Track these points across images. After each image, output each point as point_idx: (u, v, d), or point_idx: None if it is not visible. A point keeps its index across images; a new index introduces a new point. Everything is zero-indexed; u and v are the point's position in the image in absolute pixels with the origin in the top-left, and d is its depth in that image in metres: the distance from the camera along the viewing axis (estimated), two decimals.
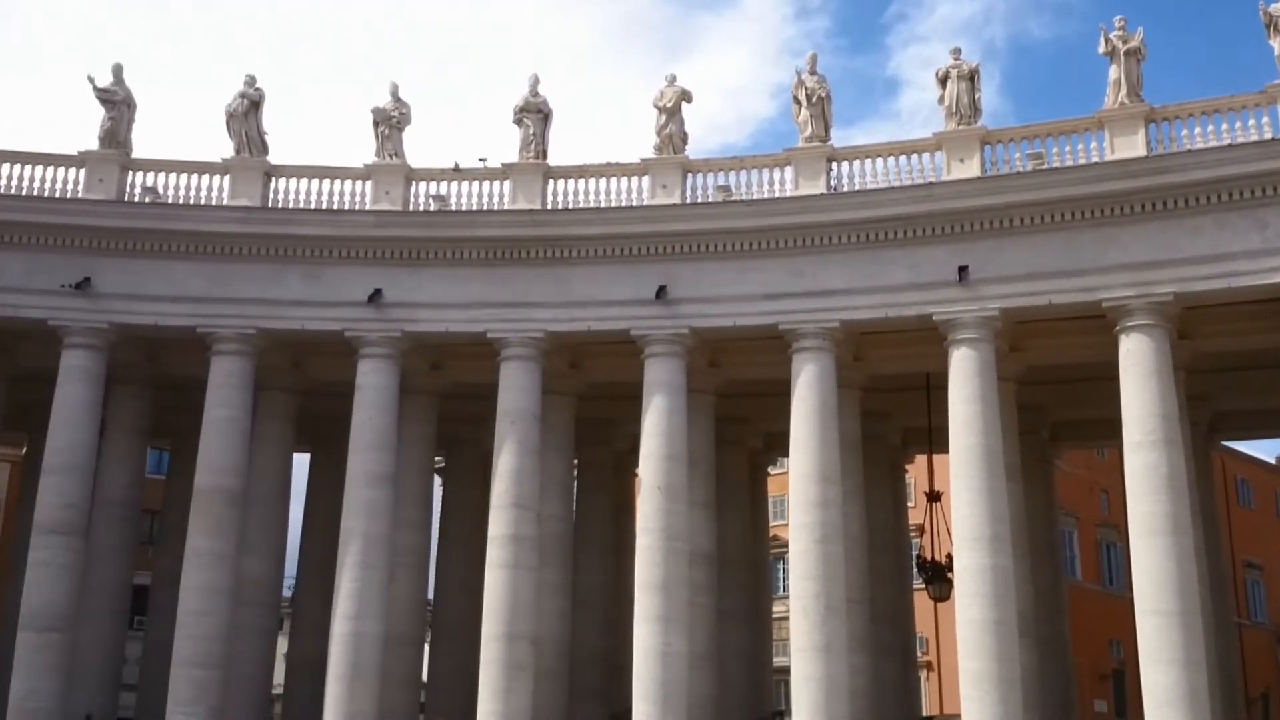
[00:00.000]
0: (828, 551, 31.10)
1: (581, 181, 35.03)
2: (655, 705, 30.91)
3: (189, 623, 33.37)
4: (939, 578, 35.24)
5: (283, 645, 43.32)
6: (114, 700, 38.04)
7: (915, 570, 39.46)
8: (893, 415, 39.34)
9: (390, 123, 35.84)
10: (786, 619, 33.07)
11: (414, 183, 35.65)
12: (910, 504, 45.26)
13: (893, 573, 38.99)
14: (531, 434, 33.77)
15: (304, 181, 35.92)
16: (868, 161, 33.27)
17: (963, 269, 30.79)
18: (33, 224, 34.57)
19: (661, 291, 32.85)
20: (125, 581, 38.48)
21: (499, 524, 33.20)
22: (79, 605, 34.17)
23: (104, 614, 36.66)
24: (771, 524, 46.91)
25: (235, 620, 34.40)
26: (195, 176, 35.96)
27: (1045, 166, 31.09)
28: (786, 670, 32.48)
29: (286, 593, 44.09)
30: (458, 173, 35.84)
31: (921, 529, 40.02)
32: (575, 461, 40.19)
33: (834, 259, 32.44)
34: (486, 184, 35.50)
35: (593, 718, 38.31)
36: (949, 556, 32.30)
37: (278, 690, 44.19)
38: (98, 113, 36.13)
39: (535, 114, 35.44)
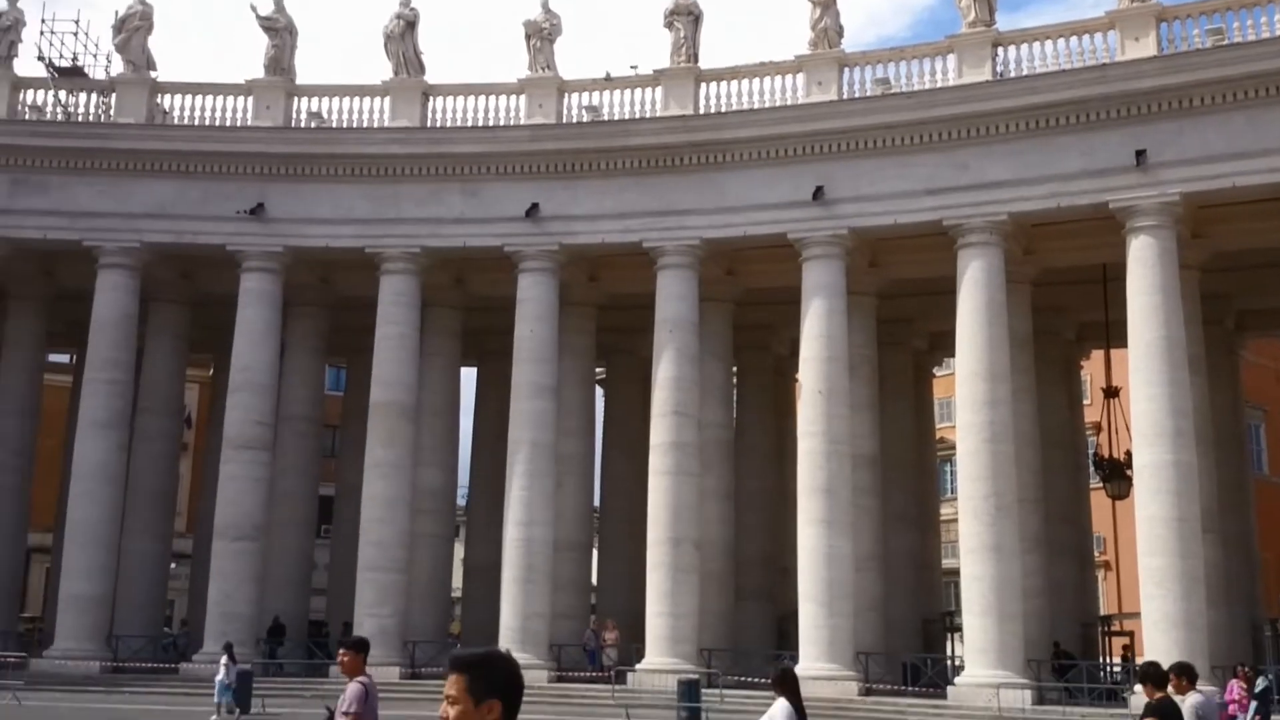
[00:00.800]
0: (997, 451, 30.22)
1: (734, 84, 34.24)
2: (822, 606, 30.83)
3: (371, 530, 34.71)
4: (1117, 475, 33.97)
5: (459, 551, 44.86)
6: (305, 604, 40.10)
7: (1092, 468, 38.21)
8: (1067, 310, 37.77)
9: (541, 35, 35.60)
10: (955, 521, 32.46)
11: (566, 95, 35.48)
12: (1086, 401, 43.64)
13: (1068, 471, 37.76)
14: (690, 342, 33.64)
15: (460, 99, 36.14)
16: (1036, 45, 31.52)
17: (1140, 153, 28.97)
18: (207, 153, 35.67)
19: (818, 192, 32.01)
20: (311, 493, 40.29)
21: (660, 432, 33.34)
22: (269, 515, 35.89)
23: (293, 523, 38.56)
24: (937, 426, 45.93)
25: (414, 528, 35.65)
26: (356, 100, 36.57)
27: (1226, 42, 28.96)
28: (956, 572, 31.92)
29: (461, 502, 45.55)
30: (609, 82, 35.48)
31: (1098, 426, 38.59)
32: (734, 368, 40.06)
33: (1000, 149, 30.97)
34: (638, 92, 35.06)
35: (760, 619, 38.54)
36: (1127, 453, 30.99)
37: (457, 594, 45.84)
38: (261, 41, 37.02)
39: (685, 16, 34.68)
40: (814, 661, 30.37)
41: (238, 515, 34.72)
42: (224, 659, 27.29)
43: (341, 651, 9.81)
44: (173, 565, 42.79)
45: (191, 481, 50.23)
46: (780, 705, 9.89)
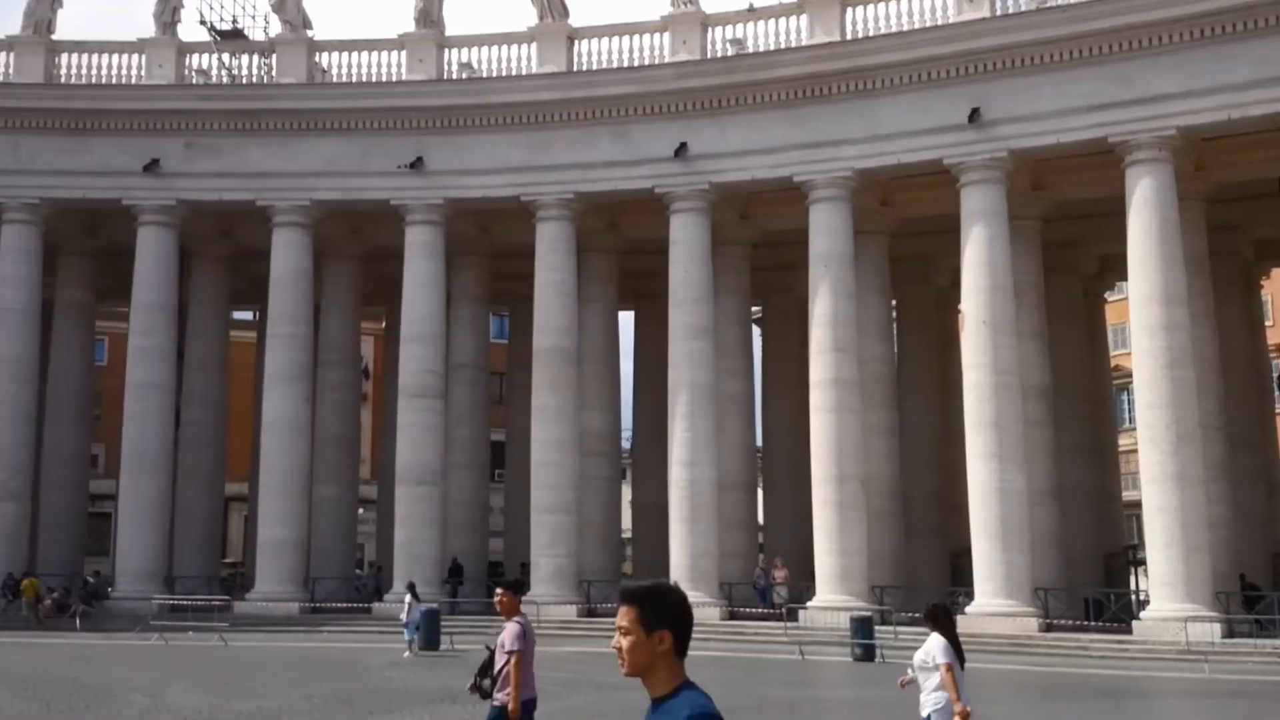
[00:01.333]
0: (1176, 376, 28.85)
1: (882, 6, 33.11)
2: (996, 541, 30.13)
3: (542, 474, 35.53)
4: None
5: (627, 493, 45.63)
6: (484, 545, 41.51)
7: (1276, 392, 36.18)
8: (1244, 227, 35.61)
9: None
10: (1135, 452, 31.23)
11: (710, 29, 34.97)
12: (1268, 323, 41.25)
13: (1251, 396, 35.84)
14: (846, 276, 33.06)
15: (604, 41, 36.06)
16: None
17: None
18: (366, 109, 36.51)
19: (974, 114, 30.79)
20: (483, 438, 41.52)
21: (819, 369, 32.97)
22: (445, 461, 37.19)
23: (467, 468, 39.87)
24: (1113, 353, 44.17)
25: (583, 471, 36.39)
26: (504, 48, 36.90)
27: None
28: (1138, 504, 30.80)
29: (626, 444, 46.23)
30: (752, 14, 34.81)
31: None
32: (893, 301, 39.26)
33: (1165, 61, 29.12)
34: (782, 21, 34.27)
35: (932, 556, 37.98)
36: None
37: (627, 534, 46.71)
38: None
39: None
40: (990, 598, 29.78)
41: (416, 461, 36.00)
42: (408, 598, 28.47)
43: (499, 592, 9.98)
44: (360, 510, 44.80)
45: (372, 430, 52.40)
46: (935, 640, 9.78)
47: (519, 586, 10.18)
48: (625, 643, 3.54)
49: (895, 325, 40.02)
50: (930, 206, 34.10)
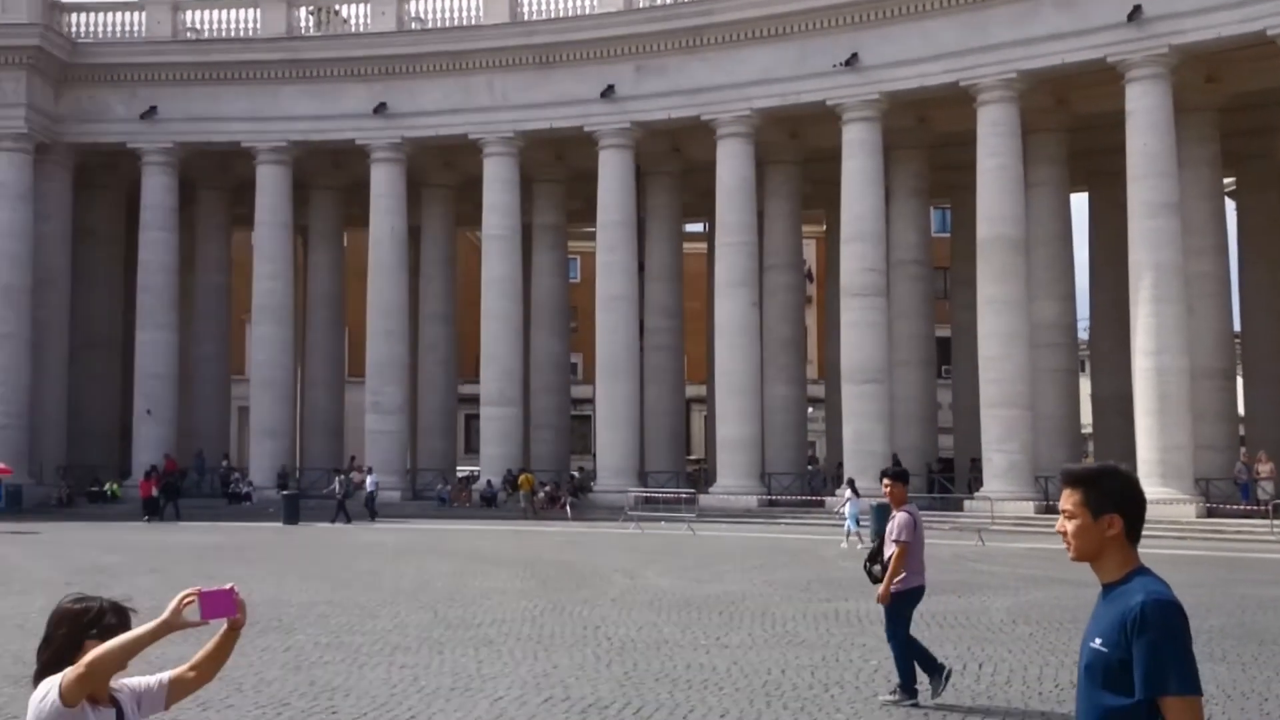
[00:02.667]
0: None
1: None
2: None
3: (990, 368, 34.29)
4: None
5: (1085, 386, 43.04)
6: (932, 441, 40.87)
7: None
8: None
9: None
10: None
11: None
12: None
13: None
14: None
15: None
16: None
17: None
18: (800, 11, 35.93)
19: None
20: (927, 334, 40.69)
21: None
22: (889, 358, 36.90)
23: (912, 364, 39.30)
24: None
25: (1034, 363, 34.72)
26: None
27: None
28: None
29: (1082, 334, 43.46)
30: None
31: None
32: None
33: None
34: None
35: None
36: None
37: (1086, 429, 44.17)
38: None
39: None
40: None
41: (861, 360, 35.98)
42: (848, 493, 28.73)
43: (886, 482, 9.93)
44: (809, 409, 45.68)
45: (818, 330, 53.03)
46: None
47: (903, 476, 10.02)
48: (1070, 527, 3.29)
49: None
50: None
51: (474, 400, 44.16)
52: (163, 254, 41.94)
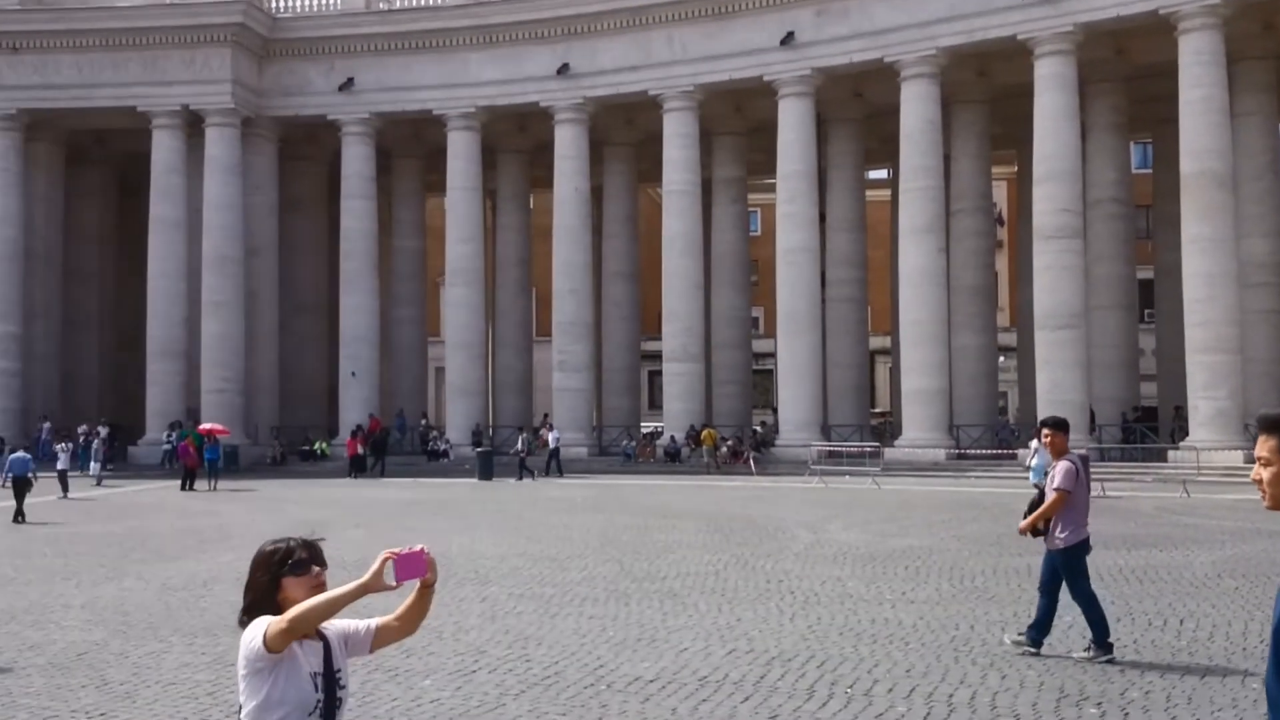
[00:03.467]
0: None
1: None
2: None
3: (1195, 310, 32.48)
4: None
5: None
6: (1133, 389, 39.03)
7: None
8: None
9: None
10: None
11: None
12: None
13: None
14: None
15: None
16: None
17: None
18: None
19: None
20: (1128, 276, 38.77)
21: None
22: (1086, 302, 35.38)
23: (1111, 308, 37.59)
24: None
25: (1243, 304, 32.76)
26: None
27: None
28: None
29: None
30: None
31: None
32: None
33: None
34: None
35: None
36: None
37: None
38: None
39: None
40: None
41: (1055, 304, 34.65)
42: (1033, 444, 27.70)
43: (1045, 431, 9.75)
44: (1000, 359, 44.31)
45: (1009, 276, 51.27)
46: None
47: (1062, 425, 9.78)
48: (1266, 475, 3.11)
49: None
50: None
51: (657, 357, 44.62)
52: (363, 221, 43.76)
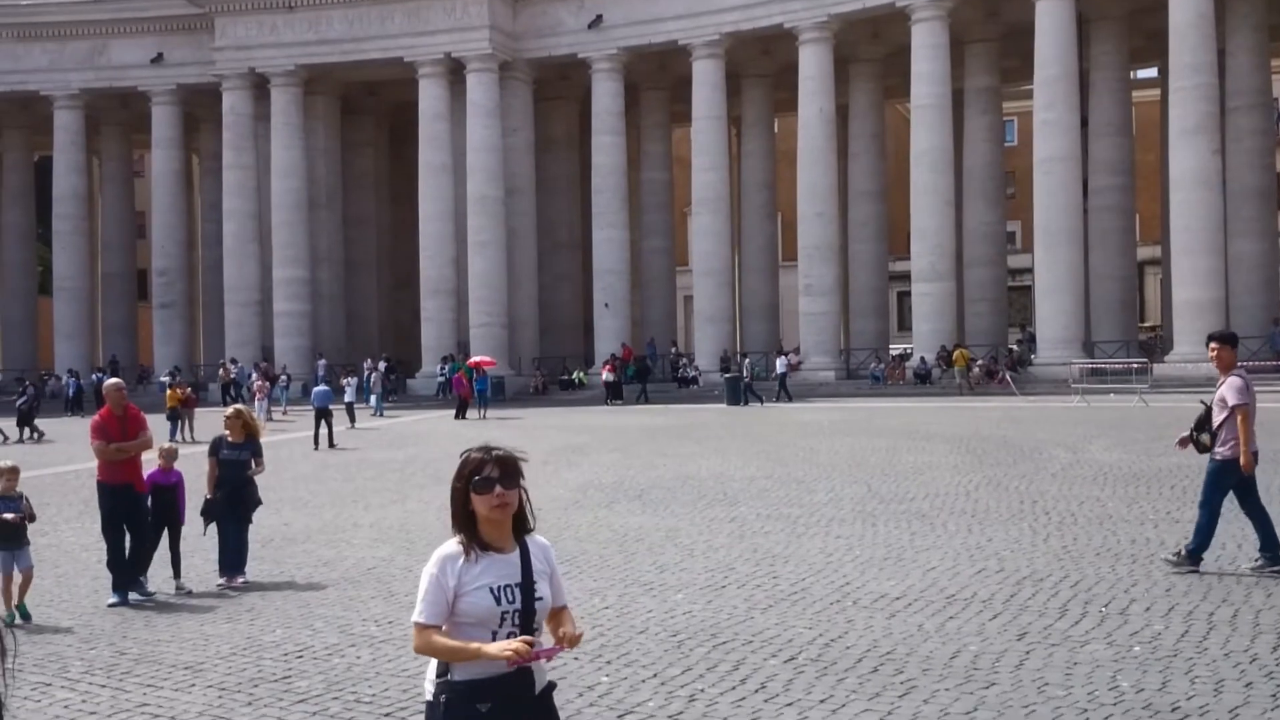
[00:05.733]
0: None
1: None
2: None
3: None
4: None
5: None
6: None
7: None
8: None
9: None
10: None
11: None
12: None
13: None
14: None
15: None
16: None
17: None
18: None
19: None
20: None
21: None
22: None
23: None
24: None
25: None
26: None
27: None
28: None
29: None
30: None
31: None
32: None
33: None
34: None
35: None
36: None
37: None
38: None
39: None
40: None
41: None
42: None
43: (1212, 346, 9.47)
44: None
45: None
46: None
47: (1231, 339, 9.60)
48: None
49: None
50: None
51: (905, 277, 43.60)
52: (612, 156, 44.63)
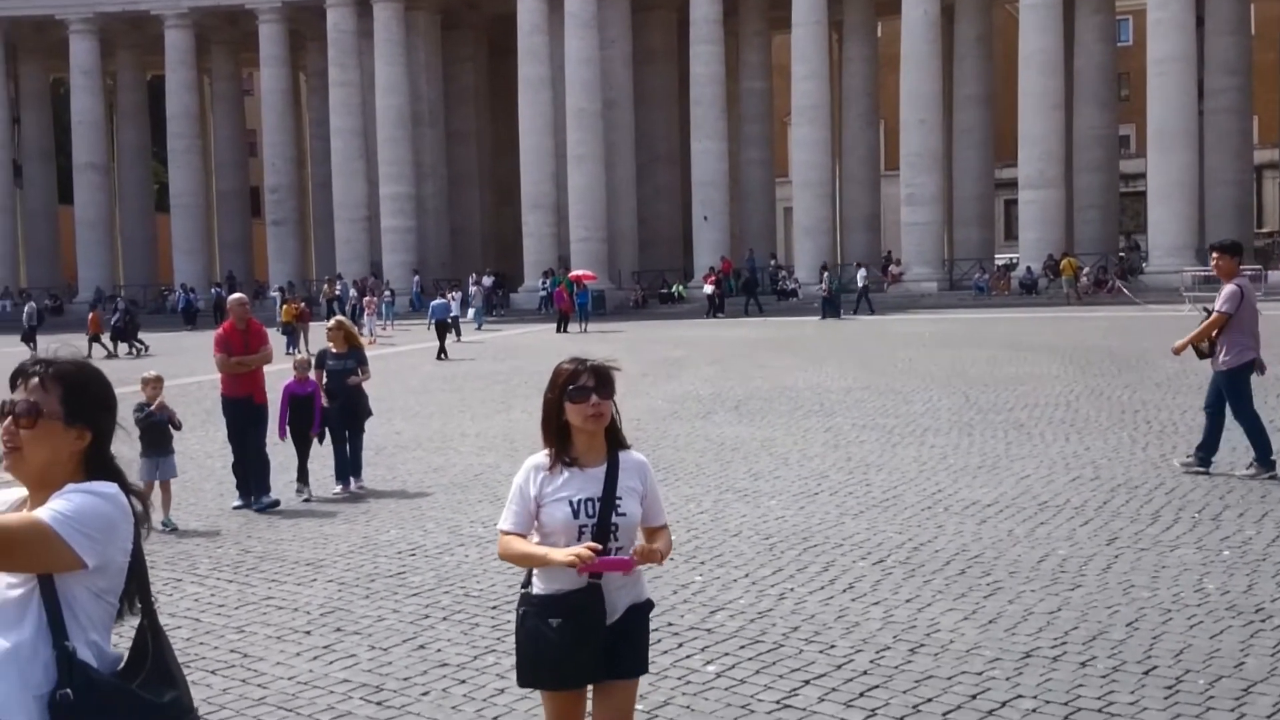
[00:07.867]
0: None
1: None
2: None
3: None
4: None
5: None
6: None
7: None
8: None
9: None
10: None
11: None
12: None
13: None
14: None
15: None
16: None
17: None
18: None
19: None
20: None
21: None
22: None
23: None
24: None
25: None
26: None
27: None
28: None
29: None
30: None
31: None
32: None
33: None
34: None
35: None
36: None
37: None
38: None
39: None
40: None
41: None
42: None
43: (1214, 255, 9.54)
44: None
45: None
46: None
47: (1235, 249, 9.63)
48: None
49: None
50: None
51: (1012, 185, 42.55)
52: (710, 66, 44.05)
